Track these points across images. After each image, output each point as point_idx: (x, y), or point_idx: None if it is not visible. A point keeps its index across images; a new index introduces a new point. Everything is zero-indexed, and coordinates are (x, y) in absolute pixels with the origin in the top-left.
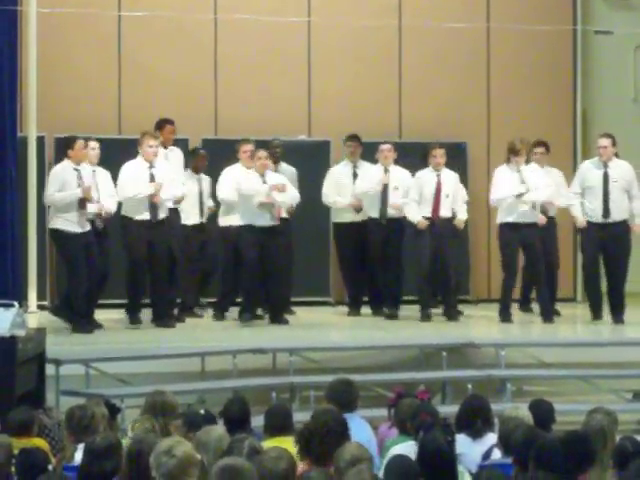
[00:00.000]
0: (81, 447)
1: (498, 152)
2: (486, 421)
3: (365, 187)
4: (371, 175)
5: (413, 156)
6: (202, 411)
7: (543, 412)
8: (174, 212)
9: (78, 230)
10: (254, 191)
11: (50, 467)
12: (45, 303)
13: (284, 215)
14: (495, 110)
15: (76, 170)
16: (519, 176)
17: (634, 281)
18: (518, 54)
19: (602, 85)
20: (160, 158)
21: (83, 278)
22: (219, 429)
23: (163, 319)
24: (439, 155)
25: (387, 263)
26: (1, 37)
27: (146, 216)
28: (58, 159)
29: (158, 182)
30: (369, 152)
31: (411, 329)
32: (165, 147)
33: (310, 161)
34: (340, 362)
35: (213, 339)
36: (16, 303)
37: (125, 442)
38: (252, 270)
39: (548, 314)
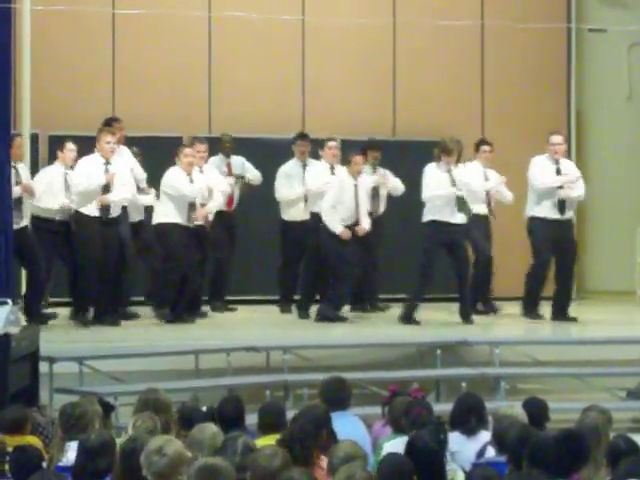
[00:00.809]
0: (74, 445)
1: (493, 150)
2: (480, 419)
3: (318, 184)
4: (318, 172)
5: (407, 154)
6: (204, 408)
7: (537, 410)
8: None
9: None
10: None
11: (44, 464)
12: None
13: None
14: (489, 108)
15: (13, 167)
16: (449, 176)
17: (620, 280)
18: (512, 52)
19: (596, 83)
20: (116, 155)
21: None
22: (212, 427)
23: (105, 317)
24: (359, 162)
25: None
26: None
27: (97, 213)
28: (52, 157)
29: (111, 173)
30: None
31: (405, 327)
32: (118, 144)
33: None
34: (334, 360)
35: (207, 337)
36: (9, 300)
37: (120, 440)
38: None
39: (467, 315)
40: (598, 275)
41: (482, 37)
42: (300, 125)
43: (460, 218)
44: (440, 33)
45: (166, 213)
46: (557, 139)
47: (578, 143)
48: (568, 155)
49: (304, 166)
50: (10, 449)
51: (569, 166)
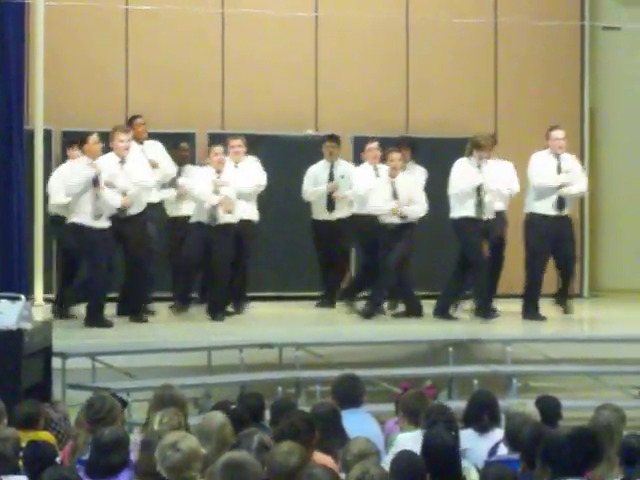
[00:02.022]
0: None
1: (505, 147)
2: (493, 416)
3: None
4: (362, 174)
5: (420, 151)
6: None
7: (550, 408)
8: (157, 206)
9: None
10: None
11: (57, 460)
12: (51, 296)
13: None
14: (502, 106)
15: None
16: (478, 171)
17: (634, 277)
18: (526, 50)
19: (610, 81)
20: (134, 152)
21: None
22: (220, 416)
23: (136, 314)
24: (396, 159)
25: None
26: (8, 30)
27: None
28: (65, 153)
29: (127, 198)
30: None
31: (418, 324)
32: (140, 142)
33: (317, 156)
34: (346, 357)
35: (220, 333)
36: (23, 296)
37: (132, 436)
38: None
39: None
40: (612, 273)
41: (495, 34)
42: (313, 122)
43: (485, 214)
44: (453, 30)
45: (194, 212)
46: (560, 134)
47: (591, 141)
48: (582, 153)
49: (332, 167)
50: (23, 444)
51: (571, 161)
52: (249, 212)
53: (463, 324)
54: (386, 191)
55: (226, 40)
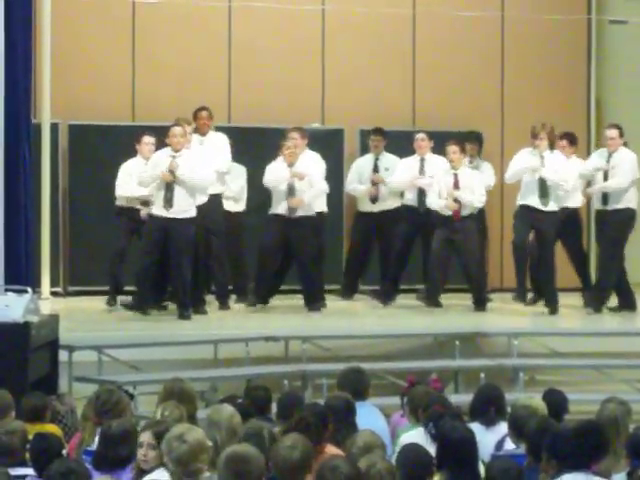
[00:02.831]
0: None
1: (512, 141)
2: (500, 410)
3: (404, 178)
4: (407, 166)
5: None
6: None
7: (556, 402)
8: (212, 199)
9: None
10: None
11: (64, 452)
12: (58, 289)
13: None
14: (509, 99)
15: (172, 157)
16: (541, 162)
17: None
18: (532, 43)
19: (616, 74)
20: (194, 145)
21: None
22: (229, 408)
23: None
24: (451, 152)
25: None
26: (15, 23)
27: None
28: (72, 146)
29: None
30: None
31: (424, 318)
32: (202, 134)
33: (323, 149)
34: (353, 350)
35: (226, 326)
36: (29, 289)
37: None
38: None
39: (552, 303)
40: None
41: (502, 28)
42: (319, 115)
43: (547, 205)
44: (460, 24)
45: (272, 204)
46: (609, 133)
47: (598, 134)
48: (588, 145)
49: (376, 160)
50: (30, 437)
51: (619, 158)
52: (318, 204)
53: (469, 317)
54: (445, 183)
55: (233, 33)
